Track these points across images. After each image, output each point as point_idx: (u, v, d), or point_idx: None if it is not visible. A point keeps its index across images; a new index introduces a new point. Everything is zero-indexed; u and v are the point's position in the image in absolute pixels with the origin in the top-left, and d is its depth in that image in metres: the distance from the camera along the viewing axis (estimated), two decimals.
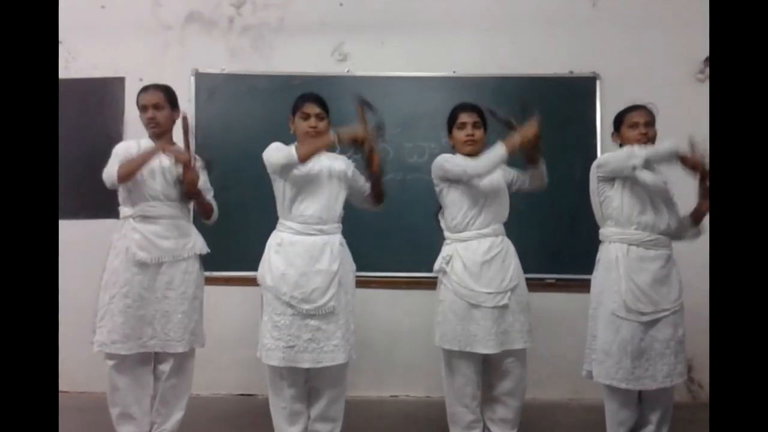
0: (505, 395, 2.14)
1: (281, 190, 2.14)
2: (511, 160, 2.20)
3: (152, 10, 3.16)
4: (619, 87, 2.99)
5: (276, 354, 2.03)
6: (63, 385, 2.93)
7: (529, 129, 2.03)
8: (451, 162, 2.15)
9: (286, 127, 2.99)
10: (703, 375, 2.91)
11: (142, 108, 2.23)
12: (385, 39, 3.12)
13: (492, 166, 2.06)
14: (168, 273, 2.18)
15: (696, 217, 2.12)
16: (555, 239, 2.93)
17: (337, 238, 2.12)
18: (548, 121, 3.07)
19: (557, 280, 2.99)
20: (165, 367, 2.21)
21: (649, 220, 2.04)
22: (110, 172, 2.13)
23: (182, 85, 3.03)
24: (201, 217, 2.38)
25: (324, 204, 2.10)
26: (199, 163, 2.31)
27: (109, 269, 2.19)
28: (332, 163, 2.18)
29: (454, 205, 2.17)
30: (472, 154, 2.16)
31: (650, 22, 3.06)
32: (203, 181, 2.32)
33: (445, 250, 2.18)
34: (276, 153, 2.06)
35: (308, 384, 2.14)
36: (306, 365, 2.02)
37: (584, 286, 2.93)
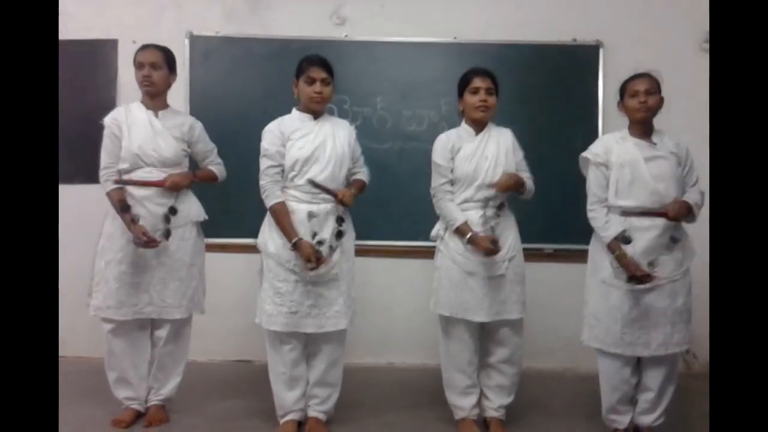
0: (501, 363, 2.15)
1: (284, 159, 2.09)
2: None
3: None
4: (623, 56, 2.94)
5: (278, 319, 2.03)
6: (60, 350, 2.95)
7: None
8: (434, 171, 2.17)
9: (282, 92, 2.93)
10: (697, 346, 2.93)
11: (139, 65, 2.17)
12: (385, 3, 3.05)
13: (444, 219, 2.13)
14: (169, 238, 2.15)
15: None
16: (554, 209, 2.91)
17: (340, 206, 2.08)
18: (550, 91, 3.06)
19: (555, 250, 2.99)
20: (161, 333, 2.20)
21: (640, 193, 1.98)
22: (104, 183, 2.17)
23: (176, 48, 2.92)
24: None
25: (329, 173, 2.05)
26: (198, 129, 2.29)
27: (105, 234, 2.17)
28: (335, 129, 2.13)
29: (462, 177, 2.13)
30: (482, 121, 2.13)
31: None
32: (203, 144, 2.31)
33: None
34: (262, 163, 2.12)
35: (307, 349, 2.14)
36: (309, 330, 2.04)
37: (582, 257, 2.91)
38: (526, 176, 2.16)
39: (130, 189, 2.15)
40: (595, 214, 2.08)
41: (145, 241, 2.05)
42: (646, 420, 2.06)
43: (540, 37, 2.98)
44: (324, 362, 2.12)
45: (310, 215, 2.02)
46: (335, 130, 2.12)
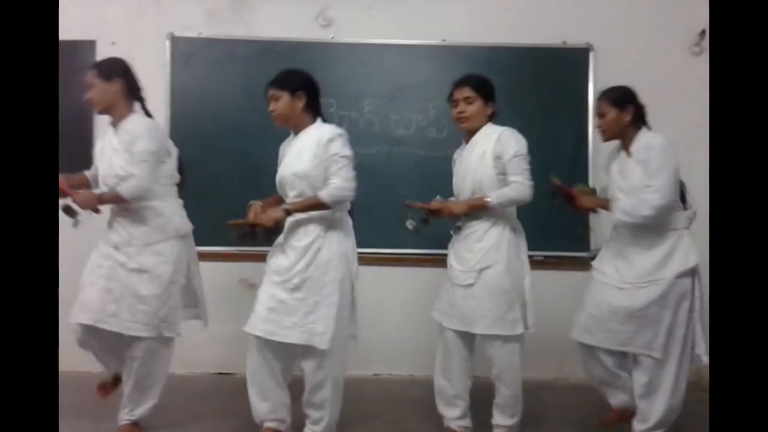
0: (495, 379, 2.07)
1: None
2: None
3: None
4: (613, 59, 2.91)
5: (250, 321, 2.01)
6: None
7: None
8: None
9: (265, 95, 2.87)
10: None
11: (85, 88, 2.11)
12: (372, 4, 2.99)
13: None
14: (141, 254, 2.05)
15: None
16: (544, 216, 2.84)
17: (317, 214, 1.97)
18: (540, 94, 3.01)
19: (545, 257, 2.92)
20: (137, 353, 2.06)
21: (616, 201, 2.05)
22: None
23: (157, 50, 2.90)
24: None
25: (296, 193, 1.99)
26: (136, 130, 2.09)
27: (98, 246, 2.13)
28: (307, 142, 1.99)
29: (454, 185, 2.17)
30: (468, 131, 2.09)
31: None
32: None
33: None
34: None
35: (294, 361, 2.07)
36: (258, 333, 1.97)
37: (573, 264, 2.90)
38: (515, 179, 2.00)
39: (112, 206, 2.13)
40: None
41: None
42: (637, 428, 2.01)
43: (529, 39, 2.94)
44: (309, 382, 2.01)
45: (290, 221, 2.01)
46: (305, 143, 1.99)
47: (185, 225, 2.17)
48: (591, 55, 2.94)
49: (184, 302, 2.19)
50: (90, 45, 2.91)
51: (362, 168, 2.83)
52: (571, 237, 2.89)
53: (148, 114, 2.16)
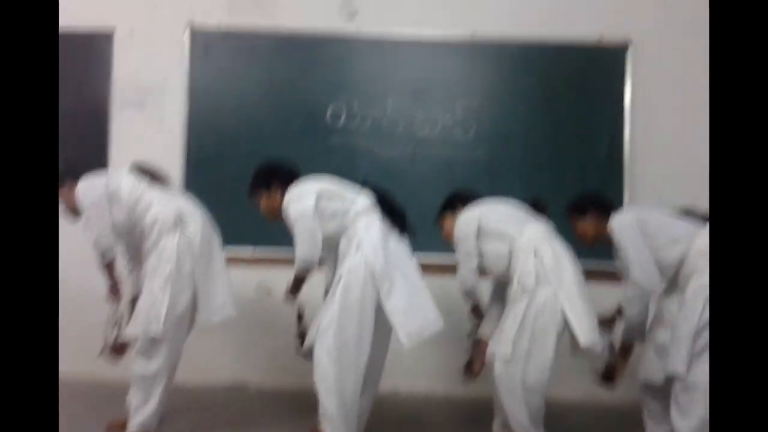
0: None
1: None
2: None
3: None
4: (652, 56, 2.73)
5: None
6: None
7: None
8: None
9: (287, 90, 2.77)
10: None
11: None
12: None
13: None
14: (153, 256, 2.04)
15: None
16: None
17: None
18: (574, 94, 2.85)
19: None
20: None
21: None
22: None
23: (176, 41, 2.80)
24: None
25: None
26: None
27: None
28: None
29: None
30: None
31: None
32: None
33: None
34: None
35: None
36: None
37: (607, 276, 2.72)
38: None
39: None
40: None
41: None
42: None
43: (563, 32, 2.77)
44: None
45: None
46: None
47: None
48: (629, 52, 2.77)
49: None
50: (107, 35, 2.82)
51: (384, 170, 2.75)
52: (603, 248, 2.72)
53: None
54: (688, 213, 1.94)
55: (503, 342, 1.87)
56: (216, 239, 2.14)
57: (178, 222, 2.03)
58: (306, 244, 1.93)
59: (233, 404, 2.56)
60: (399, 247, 2.01)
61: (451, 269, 2.63)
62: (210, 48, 2.80)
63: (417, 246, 2.72)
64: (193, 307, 2.06)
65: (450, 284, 2.62)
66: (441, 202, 2.20)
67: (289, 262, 2.60)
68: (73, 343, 2.39)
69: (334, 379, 1.84)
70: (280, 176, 2.05)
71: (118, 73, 2.83)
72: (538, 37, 2.77)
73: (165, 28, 2.81)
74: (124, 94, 2.81)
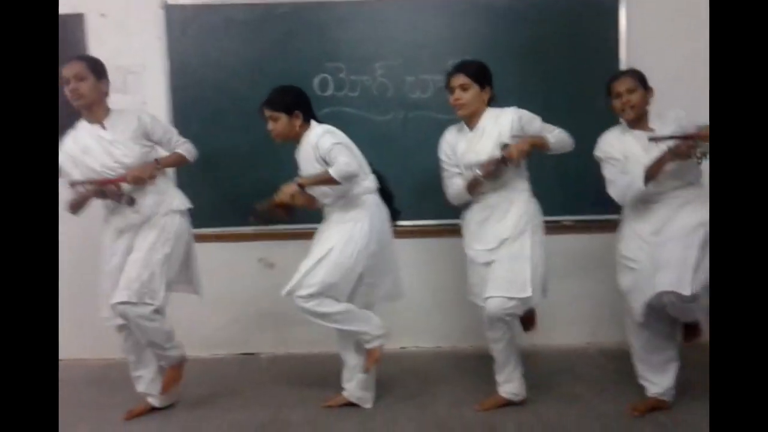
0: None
1: None
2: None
3: None
4: (646, 5, 2.66)
5: None
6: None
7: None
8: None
9: (267, 63, 2.70)
10: None
11: (65, 81, 2.02)
12: None
13: (455, 200, 2.20)
14: (141, 234, 2.10)
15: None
16: (573, 180, 2.69)
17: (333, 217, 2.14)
18: (567, 48, 2.79)
19: (576, 221, 2.79)
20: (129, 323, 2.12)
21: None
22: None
23: (151, 20, 2.70)
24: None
25: (319, 194, 2.12)
26: (147, 120, 2.16)
27: (101, 246, 2.16)
28: (301, 150, 2.14)
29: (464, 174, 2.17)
30: (466, 117, 2.11)
31: None
32: (161, 132, 2.19)
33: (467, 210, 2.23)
34: None
35: None
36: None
37: (604, 227, 2.76)
38: (550, 131, 2.10)
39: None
40: (625, 190, 2.07)
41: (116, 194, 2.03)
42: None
43: None
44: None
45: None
46: (306, 152, 2.12)
47: (182, 201, 2.21)
48: (622, 3, 2.69)
49: (179, 278, 2.21)
50: (78, 18, 2.71)
51: (378, 136, 2.72)
52: (601, 200, 2.74)
53: None
54: None
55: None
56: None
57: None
58: (348, 157, 2.03)
59: (246, 374, 2.67)
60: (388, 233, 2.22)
61: (443, 232, 2.69)
62: (187, 25, 2.69)
63: (413, 212, 2.77)
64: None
65: (444, 245, 2.70)
66: None
67: (287, 236, 2.65)
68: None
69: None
70: (302, 107, 2.11)
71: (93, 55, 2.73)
72: None
73: (138, 8, 2.70)
74: None
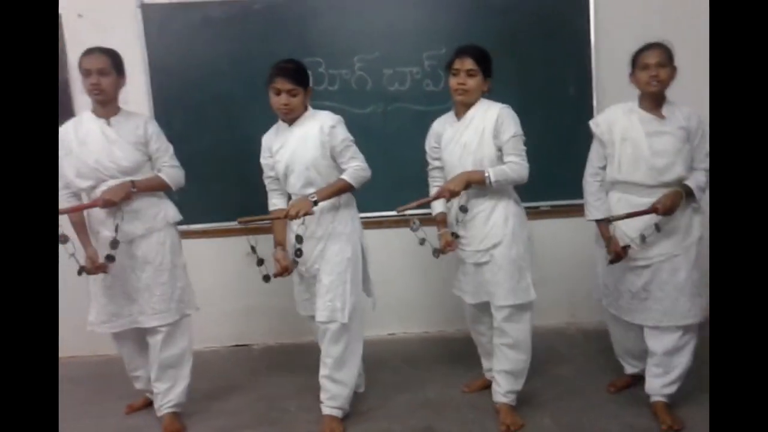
0: (505, 347, 2.06)
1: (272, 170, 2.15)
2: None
3: None
4: None
5: (298, 305, 2.23)
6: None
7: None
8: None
9: (248, 60, 2.72)
10: None
11: (85, 72, 1.99)
12: None
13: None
14: (142, 247, 2.07)
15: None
16: (547, 165, 2.76)
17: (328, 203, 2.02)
18: (539, 38, 2.85)
19: (552, 206, 2.88)
20: (156, 339, 2.11)
21: (639, 176, 1.96)
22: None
23: (128, 21, 2.70)
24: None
25: (302, 180, 2.02)
26: (151, 127, 2.11)
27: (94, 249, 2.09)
28: (306, 131, 2.01)
29: (446, 164, 2.12)
30: (463, 104, 2.03)
31: None
32: (155, 143, 2.11)
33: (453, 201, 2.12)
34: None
35: None
36: (303, 313, 2.21)
37: (581, 210, 2.84)
38: (513, 159, 1.98)
39: (90, 211, 2.05)
40: (588, 187, 2.12)
41: (94, 267, 1.98)
42: (654, 385, 2.01)
43: None
44: (330, 360, 2.05)
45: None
46: (307, 132, 2.01)
47: (176, 213, 2.19)
48: None
49: None
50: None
51: (358, 129, 2.70)
52: (575, 184, 2.82)
53: None
54: None
55: None
56: None
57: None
58: (363, 161, 2.01)
59: (240, 365, 2.74)
60: None
61: (424, 222, 2.74)
62: (164, 24, 2.70)
63: (394, 202, 2.82)
64: None
65: (426, 233, 2.75)
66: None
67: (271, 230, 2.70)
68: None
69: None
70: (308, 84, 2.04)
71: (72, 56, 2.73)
72: None
73: (114, 8, 2.70)
74: (79, 77, 2.73)
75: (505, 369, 2.07)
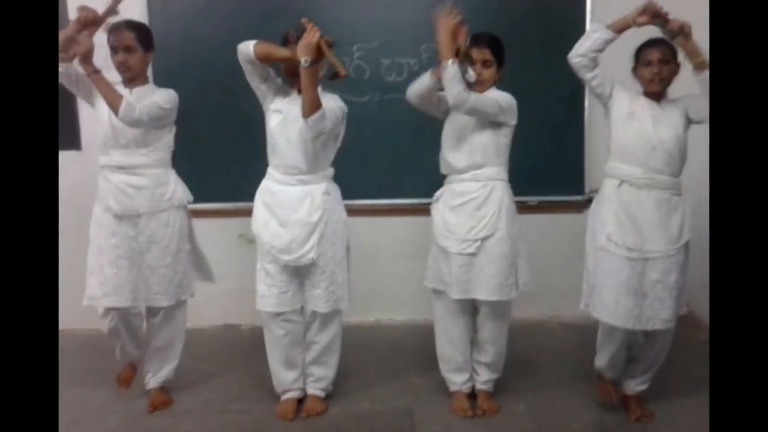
0: (485, 342, 2.11)
1: (268, 136, 2.03)
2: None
3: None
4: None
5: (269, 300, 2.04)
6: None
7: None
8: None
9: (251, 39, 2.74)
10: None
11: (112, 49, 2.00)
12: None
13: (452, 86, 1.85)
14: (148, 226, 2.07)
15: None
16: (539, 160, 2.84)
17: (320, 188, 2.01)
18: (536, 32, 2.89)
19: (540, 202, 2.94)
20: (154, 320, 2.17)
21: (641, 157, 1.92)
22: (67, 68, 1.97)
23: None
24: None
25: (301, 153, 1.96)
26: (156, 93, 2.08)
27: (95, 221, 2.08)
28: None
29: (443, 144, 2.08)
30: (480, 93, 1.98)
31: None
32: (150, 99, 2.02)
33: (438, 192, 2.13)
34: (241, 48, 1.94)
35: (305, 329, 2.14)
36: (297, 306, 2.08)
37: (567, 207, 2.92)
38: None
39: (107, 173, 2.05)
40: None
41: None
42: (630, 383, 2.07)
43: None
44: (318, 346, 2.11)
45: (291, 196, 1.98)
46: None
47: (187, 194, 2.19)
48: None
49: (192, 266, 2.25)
50: (61, 1, 2.72)
51: (355, 117, 2.74)
52: (566, 180, 2.89)
53: None
54: None
55: None
56: None
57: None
58: (334, 115, 1.93)
59: (228, 343, 2.81)
60: None
61: (416, 211, 2.80)
62: (167, 4, 2.74)
63: (388, 190, 2.89)
64: None
65: (418, 222, 2.80)
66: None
67: None
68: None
69: None
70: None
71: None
72: None
73: None
74: None
75: (485, 361, 2.13)
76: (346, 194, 2.18)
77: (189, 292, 2.22)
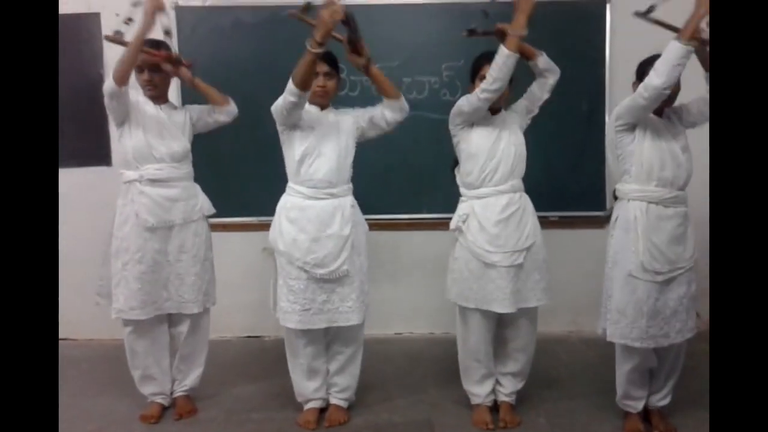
0: (516, 351, 2.13)
1: (289, 152, 2.06)
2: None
3: None
4: (631, 8, 2.79)
5: (293, 317, 2.05)
6: (69, 333, 2.99)
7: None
8: (466, 100, 2.00)
9: (276, 63, 2.84)
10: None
11: (138, 68, 2.10)
12: None
13: (503, 75, 1.92)
14: (179, 236, 2.15)
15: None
16: (559, 176, 2.86)
17: (348, 201, 2.08)
18: (555, 51, 2.92)
19: (560, 217, 2.95)
20: (182, 328, 2.22)
21: (669, 175, 1.90)
22: (107, 83, 2.02)
23: (162, 21, 2.83)
24: (219, 103, 2.32)
25: (333, 166, 2.03)
26: (191, 109, 2.29)
27: (118, 236, 2.11)
28: (339, 119, 2.10)
29: (470, 158, 2.04)
30: (492, 108, 2.05)
31: None
32: (200, 108, 2.31)
33: (461, 208, 2.08)
34: (278, 101, 1.99)
35: (327, 339, 2.17)
36: (322, 325, 2.06)
37: (588, 223, 2.93)
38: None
39: (140, 187, 2.11)
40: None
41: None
42: (654, 400, 2.07)
43: None
44: (342, 356, 2.15)
45: (320, 211, 2.02)
46: (340, 120, 2.09)
47: (210, 206, 2.28)
48: (608, 7, 2.84)
49: None
50: (95, 18, 2.86)
51: (376, 135, 2.87)
52: (587, 196, 2.90)
53: None
54: None
55: None
56: None
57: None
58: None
59: (251, 354, 2.86)
60: None
61: (436, 225, 2.84)
62: (196, 25, 2.85)
63: (409, 206, 2.93)
64: None
65: (439, 237, 2.82)
66: None
67: None
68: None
69: None
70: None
71: (108, 53, 2.88)
72: None
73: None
74: None
75: (512, 371, 2.14)
76: (367, 209, 2.22)
77: (212, 301, 2.29)
